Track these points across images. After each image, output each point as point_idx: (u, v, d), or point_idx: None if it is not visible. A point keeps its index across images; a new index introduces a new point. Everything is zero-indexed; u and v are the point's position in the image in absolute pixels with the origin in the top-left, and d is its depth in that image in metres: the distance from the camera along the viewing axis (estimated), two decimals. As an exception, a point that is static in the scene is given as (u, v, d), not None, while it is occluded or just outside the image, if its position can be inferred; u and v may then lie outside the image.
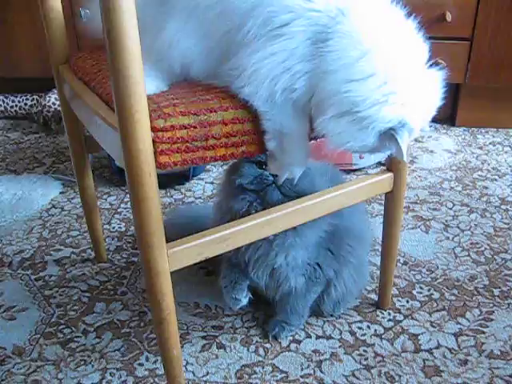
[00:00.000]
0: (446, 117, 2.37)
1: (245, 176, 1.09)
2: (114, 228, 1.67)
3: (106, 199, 1.83)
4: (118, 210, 1.76)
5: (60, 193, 1.88)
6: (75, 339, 1.24)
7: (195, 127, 0.86)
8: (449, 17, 2.08)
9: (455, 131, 2.32)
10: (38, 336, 1.25)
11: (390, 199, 1.16)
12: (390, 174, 1.11)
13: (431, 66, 0.87)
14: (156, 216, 0.85)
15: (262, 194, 1.08)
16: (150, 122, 0.81)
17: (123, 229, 1.66)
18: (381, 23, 0.85)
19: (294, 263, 1.13)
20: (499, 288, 1.37)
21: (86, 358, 1.19)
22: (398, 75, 0.82)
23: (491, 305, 1.31)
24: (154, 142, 0.83)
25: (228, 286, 1.18)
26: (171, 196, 1.85)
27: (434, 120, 2.30)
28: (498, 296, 1.34)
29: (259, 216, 0.99)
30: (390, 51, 0.83)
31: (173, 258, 0.89)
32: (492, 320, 1.27)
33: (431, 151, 2.14)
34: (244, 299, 1.17)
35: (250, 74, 0.87)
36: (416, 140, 2.22)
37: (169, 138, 0.84)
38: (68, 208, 1.78)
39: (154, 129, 0.83)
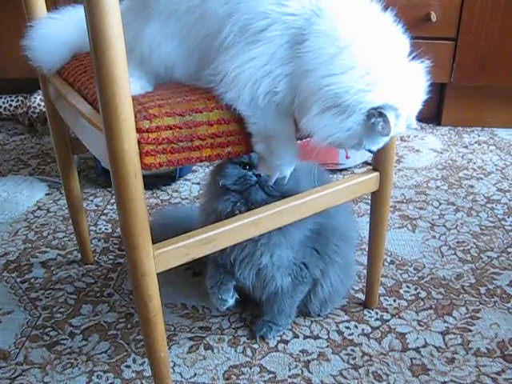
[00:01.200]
0: (432, 116, 2.39)
1: (228, 177, 1.09)
2: (100, 229, 1.66)
3: (92, 201, 1.82)
4: (104, 212, 1.75)
5: (45, 194, 1.86)
6: (61, 342, 1.23)
7: (181, 128, 0.86)
8: (433, 17, 2.09)
9: (441, 130, 2.34)
10: (24, 339, 1.24)
11: (377, 198, 1.16)
12: (376, 174, 1.12)
13: (413, 59, 0.87)
14: (142, 217, 0.84)
15: (246, 195, 1.08)
16: (135, 122, 0.80)
17: (109, 230, 1.65)
18: (356, 19, 0.85)
19: (279, 263, 1.14)
20: (485, 286, 1.38)
21: (72, 360, 1.18)
22: (380, 66, 0.82)
23: (478, 303, 1.32)
24: (139, 142, 0.82)
25: (214, 286, 1.17)
26: (158, 197, 1.84)
27: (420, 119, 2.31)
28: (484, 294, 1.35)
29: (245, 217, 0.98)
30: (368, 44, 0.82)
31: (159, 259, 0.89)
32: (478, 318, 1.27)
33: (417, 150, 2.15)
34: (230, 299, 1.17)
35: (232, 79, 0.86)
36: (402, 139, 2.23)
37: (154, 138, 0.84)
38: (54, 210, 1.77)
39: (139, 130, 0.82)
